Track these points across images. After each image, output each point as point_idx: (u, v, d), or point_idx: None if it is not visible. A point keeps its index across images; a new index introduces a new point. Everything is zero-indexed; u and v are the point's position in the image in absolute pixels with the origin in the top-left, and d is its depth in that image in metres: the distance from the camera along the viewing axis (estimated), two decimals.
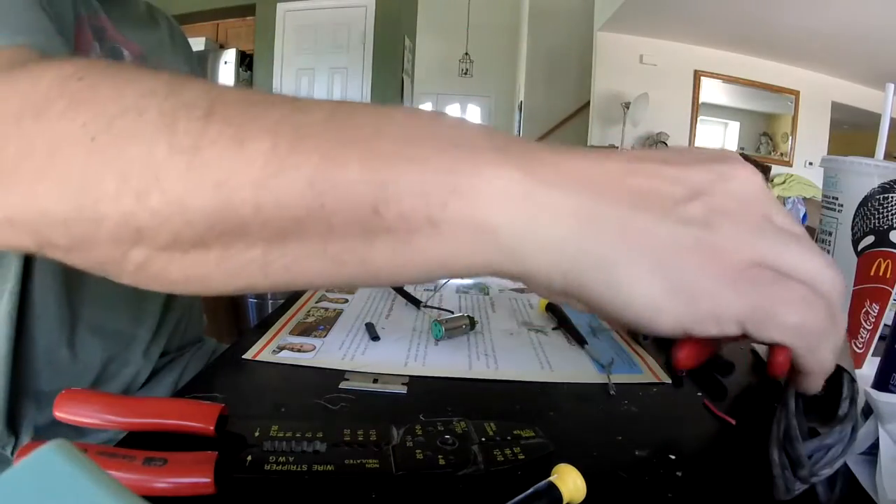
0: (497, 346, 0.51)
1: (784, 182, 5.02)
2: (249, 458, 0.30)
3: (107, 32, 0.52)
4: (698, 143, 5.37)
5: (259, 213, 0.21)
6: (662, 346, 0.52)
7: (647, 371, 0.47)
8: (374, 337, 0.52)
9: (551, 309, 0.61)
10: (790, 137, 5.45)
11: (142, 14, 0.63)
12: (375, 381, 0.43)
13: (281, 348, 0.48)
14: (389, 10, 4.87)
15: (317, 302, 0.62)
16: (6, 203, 0.22)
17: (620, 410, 0.40)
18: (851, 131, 5.14)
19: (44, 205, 0.22)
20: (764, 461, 0.28)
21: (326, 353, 0.48)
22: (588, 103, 5.49)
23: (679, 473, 0.32)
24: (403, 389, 0.42)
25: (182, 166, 0.21)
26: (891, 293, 0.45)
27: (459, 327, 0.53)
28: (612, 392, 0.43)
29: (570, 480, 0.27)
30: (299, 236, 0.22)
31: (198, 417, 0.32)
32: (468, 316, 0.55)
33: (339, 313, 0.59)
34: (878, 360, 0.41)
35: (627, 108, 5.11)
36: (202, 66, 4.89)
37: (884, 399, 0.32)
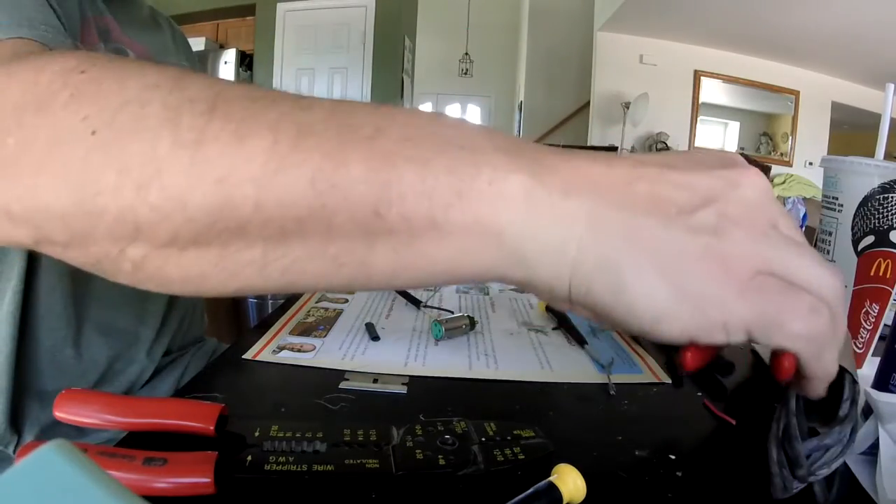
0: (497, 346, 0.51)
1: (784, 182, 5.02)
2: (249, 458, 0.30)
3: (112, 34, 0.52)
4: (698, 143, 5.38)
5: (259, 212, 0.21)
6: (663, 346, 0.52)
7: (647, 371, 0.47)
8: (374, 337, 0.52)
9: (551, 309, 0.61)
10: (790, 137, 5.45)
11: (146, 17, 0.63)
12: (375, 381, 0.43)
13: (281, 348, 0.48)
14: (389, 10, 4.87)
15: (317, 302, 0.62)
16: (5, 195, 0.22)
17: (620, 410, 0.40)
18: (851, 131, 5.14)
19: (43, 198, 0.21)
20: (763, 461, 0.28)
21: (326, 353, 0.48)
22: (588, 103, 5.49)
23: (679, 473, 0.32)
24: (403, 389, 0.42)
25: (185, 161, 0.20)
26: (891, 293, 0.45)
27: (459, 327, 0.53)
28: (612, 392, 0.43)
29: (570, 480, 0.27)
30: (300, 236, 0.21)
31: (198, 417, 0.32)
32: (468, 316, 0.55)
33: (339, 313, 0.59)
34: (878, 360, 0.41)
35: (627, 108, 5.10)
36: (202, 66, 4.88)
37: (884, 399, 0.32)
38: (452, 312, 0.59)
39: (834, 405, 0.28)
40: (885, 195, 0.44)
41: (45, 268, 0.46)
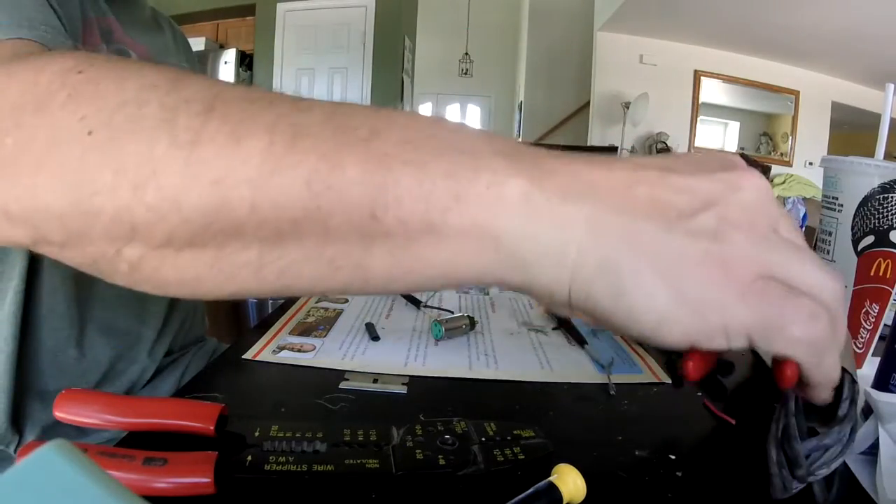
0: (497, 346, 0.51)
1: (784, 182, 5.02)
2: (249, 458, 0.30)
3: (114, 34, 0.52)
4: (698, 143, 5.38)
5: (255, 213, 0.21)
6: (664, 349, 0.52)
7: (647, 371, 0.47)
8: (374, 337, 0.52)
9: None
10: (790, 137, 5.45)
11: (147, 18, 0.63)
12: (375, 381, 0.43)
13: (281, 348, 0.48)
14: (389, 10, 4.87)
15: (317, 302, 0.62)
16: (3, 195, 0.22)
17: (620, 410, 0.40)
18: (851, 131, 5.14)
19: (41, 198, 0.21)
20: (763, 461, 0.28)
21: (326, 353, 0.48)
22: (588, 103, 5.48)
23: (679, 473, 0.32)
24: (403, 389, 0.42)
25: (180, 162, 0.20)
26: (891, 293, 0.45)
27: (459, 327, 0.53)
28: (612, 392, 0.43)
29: (570, 480, 0.27)
30: (296, 238, 0.21)
31: (198, 417, 0.32)
32: (468, 316, 0.55)
33: (339, 313, 0.59)
34: (878, 360, 0.41)
35: (627, 108, 5.10)
36: (202, 66, 4.89)
37: (884, 399, 0.32)
38: (452, 312, 0.59)
39: (833, 405, 0.28)
40: (885, 195, 0.44)
41: (47, 268, 0.46)
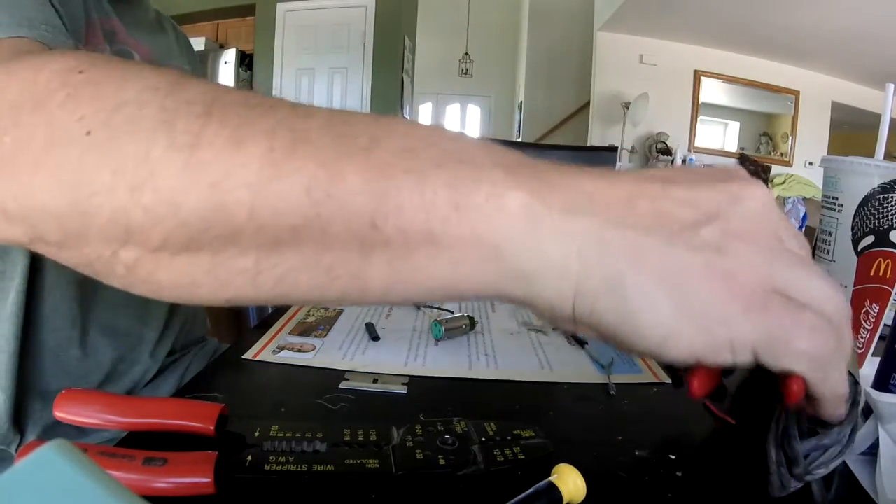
0: (497, 346, 0.51)
1: (784, 182, 5.02)
2: (249, 458, 0.30)
3: (118, 35, 0.52)
4: (698, 143, 5.38)
5: (253, 218, 0.20)
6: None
7: (647, 371, 0.47)
8: (374, 337, 0.52)
9: None
10: (790, 137, 5.45)
11: (151, 20, 0.63)
12: (375, 381, 0.43)
13: (281, 348, 0.48)
14: (389, 10, 4.87)
15: None
16: (1, 194, 0.22)
17: (620, 410, 0.40)
18: (851, 131, 5.14)
19: (38, 197, 0.21)
20: (763, 461, 0.28)
21: (326, 353, 0.48)
22: (588, 103, 5.49)
23: (679, 473, 0.32)
24: (403, 389, 0.42)
25: (179, 164, 0.20)
26: (891, 293, 0.45)
27: (459, 327, 0.53)
28: (612, 392, 0.43)
29: (570, 480, 0.27)
30: (294, 245, 0.21)
31: (198, 417, 0.32)
32: (468, 316, 0.55)
33: (339, 313, 0.59)
34: (878, 360, 0.41)
35: (627, 108, 5.11)
36: (202, 66, 4.89)
37: (884, 399, 0.32)
38: (452, 312, 0.59)
39: None
40: (885, 195, 0.44)
41: (49, 268, 0.46)
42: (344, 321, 0.56)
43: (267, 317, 0.57)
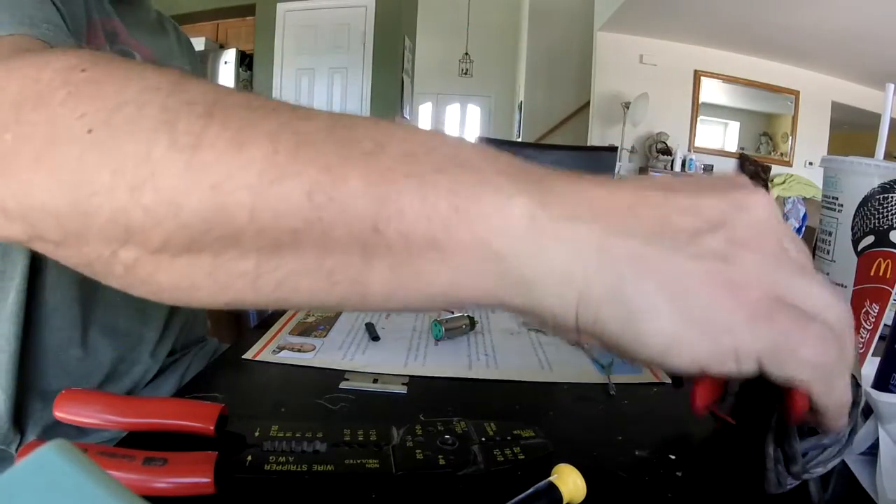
0: (497, 346, 0.52)
1: (784, 182, 5.02)
2: (249, 458, 0.30)
3: (119, 36, 0.52)
4: (698, 143, 5.38)
5: (254, 221, 0.20)
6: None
7: (647, 371, 0.47)
8: (374, 337, 0.52)
9: None
10: (790, 137, 5.46)
11: (152, 21, 0.63)
12: (375, 381, 0.43)
13: (281, 348, 0.48)
14: (389, 10, 4.87)
15: None
16: (1, 191, 0.22)
17: (620, 410, 0.40)
18: (851, 131, 5.14)
19: (38, 195, 0.21)
20: (763, 461, 0.28)
21: (326, 353, 0.48)
22: (588, 103, 5.49)
23: (679, 473, 0.32)
24: (403, 389, 0.42)
25: (180, 165, 0.20)
26: (891, 293, 0.45)
27: (459, 327, 0.53)
28: (612, 392, 0.43)
29: (570, 480, 0.27)
30: (294, 249, 0.21)
31: (198, 417, 0.32)
32: (468, 316, 0.55)
33: (339, 313, 0.59)
34: (878, 360, 0.41)
35: (627, 108, 5.11)
36: (202, 66, 4.89)
37: (884, 399, 0.32)
38: (452, 312, 0.59)
39: None
40: (885, 195, 0.44)
41: (50, 268, 0.46)
42: (344, 321, 0.56)
43: (267, 317, 0.57)
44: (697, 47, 5.08)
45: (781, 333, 0.22)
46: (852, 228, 0.45)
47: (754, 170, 4.82)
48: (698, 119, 5.36)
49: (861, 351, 0.46)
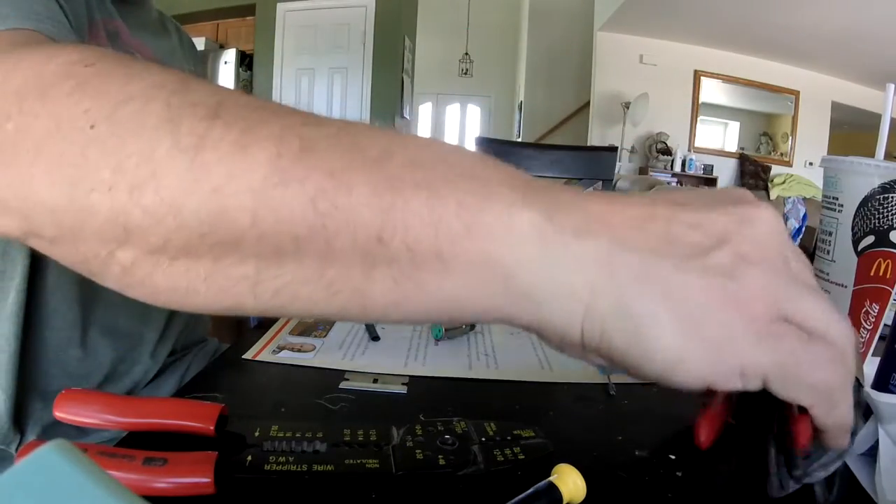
0: (497, 346, 0.51)
1: (784, 182, 5.03)
2: (249, 458, 0.30)
3: (121, 36, 0.52)
4: (698, 143, 5.38)
5: (256, 225, 0.20)
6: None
7: None
8: (374, 337, 0.52)
9: None
10: (790, 137, 5.46)
11: (154, 21, 0.63)
12: (375, 381, 0.43)
13: (281, 348, 0.48)
14: (389, 10, 4.87)
15: None
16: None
17: (620, 410, 0.40)
18: (851, 131, 5.14)
19: (36, 189, 0.21)
20: (763, 462, 0.28)
21: (326, 353, 0.48)
22: (588, 103, 5.49)
23: (679, 473, 0.32)
24: (403, 389, 0.42)
25: (182, 166, 0.20)
26: (891, 293, 0.45)
27: (459, 327, 0.53)
28: (612, 392, 0.43)
29: (570, 480, 0.27)
30: (296, 256, 0.20)
31: (198, 417, 0.32)
32: None
33: None
34: (878, 360, 0.41)
35: (627, 108, 5.11)
36: (202, 66, 4.89)
37: (884, 399, 0.32)
38: None
39: None
40: (885, 195, 0.44)
41: (50, 268, 0.46)
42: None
43: (267, 317, 0.57)
44: (697, 47, 5.08)
45: (790, 354, 0.22)
46: (852, 228, 0.45)
47: (754, 170, 4.82)
48: (698, 119, 5.36)
49: (861, 351, 0.46)
